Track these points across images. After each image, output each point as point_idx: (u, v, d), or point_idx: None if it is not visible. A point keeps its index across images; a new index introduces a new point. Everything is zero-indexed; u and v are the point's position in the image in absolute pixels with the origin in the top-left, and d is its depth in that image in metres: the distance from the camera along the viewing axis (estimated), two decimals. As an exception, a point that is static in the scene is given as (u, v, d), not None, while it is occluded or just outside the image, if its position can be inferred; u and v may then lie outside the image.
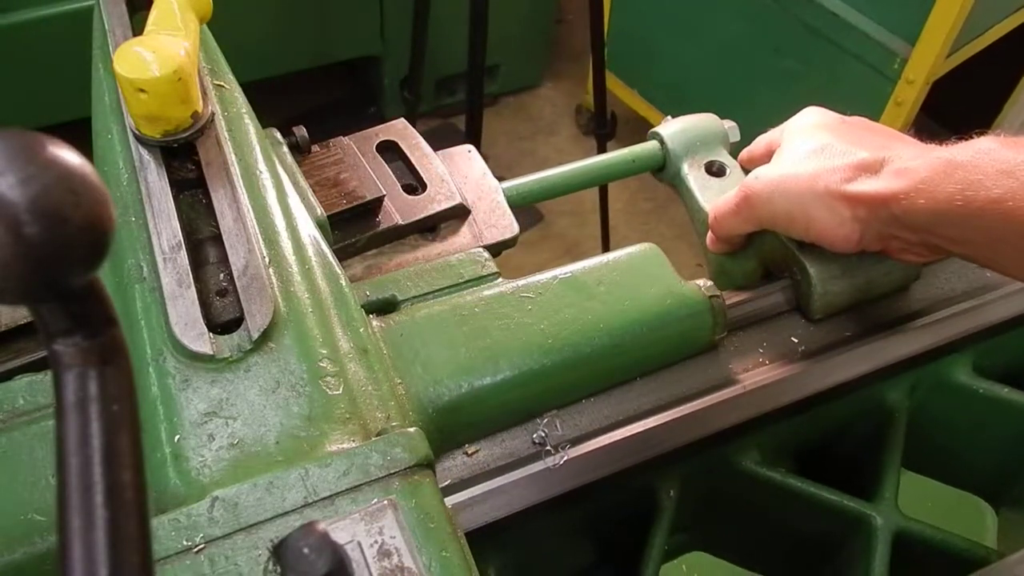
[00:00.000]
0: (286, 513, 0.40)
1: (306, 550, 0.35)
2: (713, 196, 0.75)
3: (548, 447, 0.59)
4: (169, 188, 0.53)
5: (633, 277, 0.63)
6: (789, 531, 0.70)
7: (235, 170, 0.54)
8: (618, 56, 2.45)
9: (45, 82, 1.90)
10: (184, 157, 0.55)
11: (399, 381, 0.54)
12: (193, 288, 0.48)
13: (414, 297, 0.62)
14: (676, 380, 0.64)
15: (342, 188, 0.69)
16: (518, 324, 0.59)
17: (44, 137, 0.24)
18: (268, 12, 2.17)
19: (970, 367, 0.71)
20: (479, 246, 0.69)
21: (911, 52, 1.86)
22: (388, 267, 0.69)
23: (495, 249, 0.71)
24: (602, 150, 2.20)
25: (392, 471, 0.41)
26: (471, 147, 0.78)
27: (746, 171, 0.73)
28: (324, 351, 0.48)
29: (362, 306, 0.55)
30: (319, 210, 0.65)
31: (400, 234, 0.70)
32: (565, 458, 0.58)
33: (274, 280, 0.49)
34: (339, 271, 0.55)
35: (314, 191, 0.67)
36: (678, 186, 0.79)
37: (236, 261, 0.49)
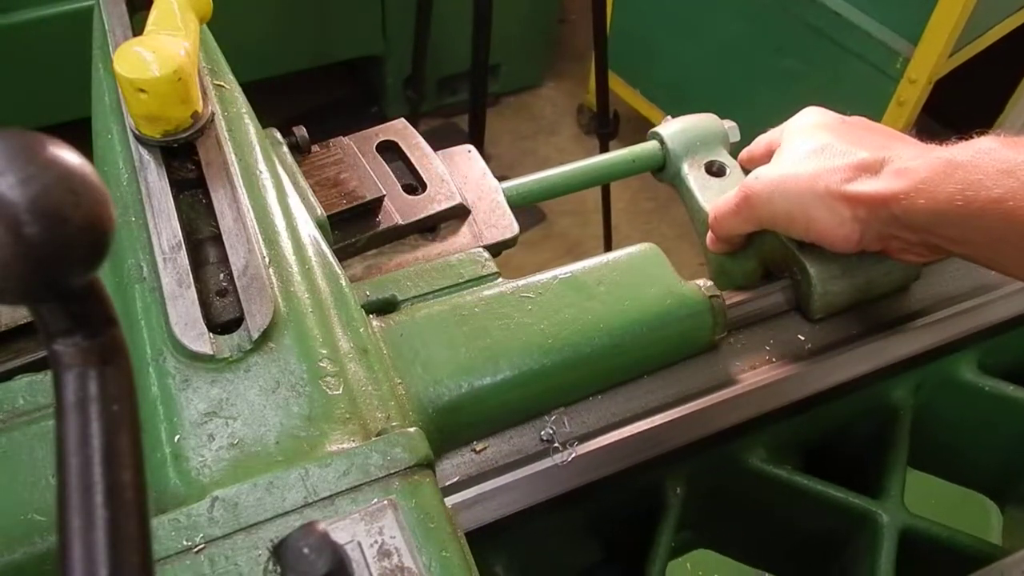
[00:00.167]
0: (286, 513, 0.40)
1: (306, 550, 0.35)
2: (713, 196, 0.75)
3: (556, 444, 0.59)
4: (169, 188, 0.53)
5: (633, 277, 0.63)
6: (795, 528, 0.70)
7: (235, 170, 0.54)
8: (619, 55, 2.44)
9: (45, 82, 1.90)
10: (184, 157, 0.55)
11: (399, 381, 0.54)
12: (193, 288, 0.48)
13: (414, 297, 0.62)
14: (685, 378, 0.64)
15: (342, 188, 0.69)
16: (518, 324, 0.59)
17: (44, 137, 0.24)
18: (268, 12, 2.17)
19: (975, 365, 0.71)
20: (479, 246, 0.69)
21: (913, 51, 1.86)
22: (388, 267, 0.69)
23: (495, 249, 0.71)
24: (604, 149, 2.20)
25: (392, 471, 0.41)
26: (471, 147, 0.78)
27: (746, 171, 0.73)
28: (324, 351, 0.48)
29: (362, 306, 0.55)
30: (319, 210, 0.65)
31: (400, 234, 0.70)
32: (573, 455, 0.58)
33: (274, 280, 0.49)
34: (339, 271, 0.55)
35: (314, 191, 0.67)
36: (678, 186, 0.79)
37: (236, 261, 0.49)
